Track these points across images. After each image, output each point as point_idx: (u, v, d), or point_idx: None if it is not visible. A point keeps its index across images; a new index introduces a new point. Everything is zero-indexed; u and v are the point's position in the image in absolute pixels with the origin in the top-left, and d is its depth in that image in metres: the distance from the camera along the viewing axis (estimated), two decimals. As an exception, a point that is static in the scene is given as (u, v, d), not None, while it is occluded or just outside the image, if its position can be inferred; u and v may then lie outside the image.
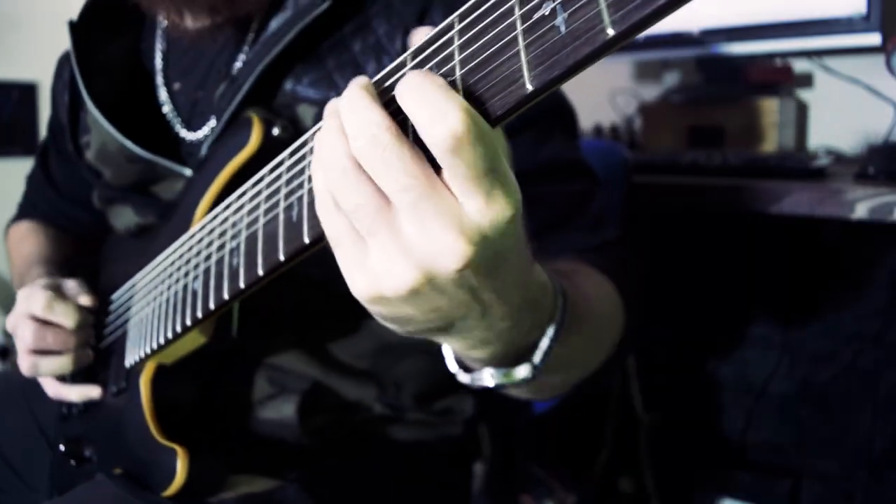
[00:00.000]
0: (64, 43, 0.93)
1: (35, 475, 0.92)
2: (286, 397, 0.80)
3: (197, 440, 0.70)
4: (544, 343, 0.51)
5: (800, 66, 1.60)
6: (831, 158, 1.30)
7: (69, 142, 0.94)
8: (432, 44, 0.40)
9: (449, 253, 0.37)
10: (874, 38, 1.31)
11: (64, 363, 0.82)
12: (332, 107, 0.42)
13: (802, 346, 1.48)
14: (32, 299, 0.81)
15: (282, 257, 0.50)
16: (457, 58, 0.38)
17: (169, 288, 0.70)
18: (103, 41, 0.91)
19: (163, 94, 0.90)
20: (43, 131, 1.77)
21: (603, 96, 1.82)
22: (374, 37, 0.76)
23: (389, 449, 0.85)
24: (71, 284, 0.87)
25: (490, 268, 0.40)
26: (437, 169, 0.38)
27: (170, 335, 0.68)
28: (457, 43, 0.38)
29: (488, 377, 0.51)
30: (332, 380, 0.82)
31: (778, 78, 1.55)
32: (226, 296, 0.58)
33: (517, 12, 0.35)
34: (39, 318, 0.80)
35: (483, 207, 0.37)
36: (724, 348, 1.57)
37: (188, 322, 0.65)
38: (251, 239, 0.55)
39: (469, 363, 0.52)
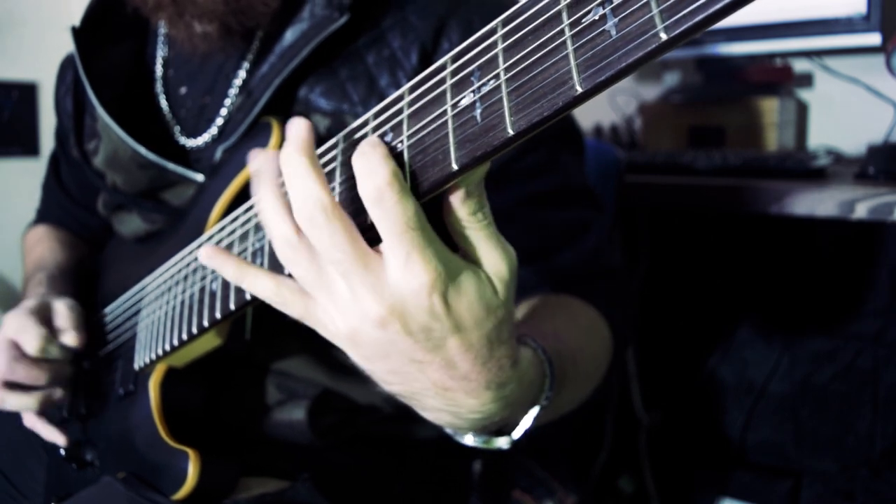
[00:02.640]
0: (64, 43, 0.92)
1: (29, 482, 0.91)
2: (296, 403, 0.81)
3: (207, 443, 0.69)
4: (526, 422, 0.56)
5: (800, 66, 1.60)
6: (831, 158, 1.30)
7: (74, 147, 0.94)
8: (475, 47, 0.41)
9: (371, 314, 0.44)
10: (874, 38, 1.32)
11: (29, 402, 0.80)
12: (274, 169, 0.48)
13: (802, 346, 1.48)
14: (12, 321, 0.80)
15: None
16: (502, 62, 0.39)
17: (184, 291, 0.70)
18: (106, 46, 0.91)
19: (162, 101, 0.90)
20: (43, 131, 1.78)
21: (603, 96, 1.82)
22: (389, 50, 0.76)
23: (396, 447, 0.86)
24: (61, 313, 0.84)
25: (423, 339, 0.44)
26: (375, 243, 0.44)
27: (185, 337, 0.68)
28: (500, 47, 0.39)
29: (469, 439, 0.56)
30: (341, 384, 0.82)
31: (778, 78, 1.55)
32: (248, 296, 0.58)
33: (565, 18, 0.36)
34: (13, 341, 0.78)
35: (401, 267, 0.42)
36: (724, 348, 1.57)
37: (206, 323, 0.65)
38: None
39: None
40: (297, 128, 0.46)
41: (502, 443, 0.56)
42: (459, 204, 0.44)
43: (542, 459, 1.13)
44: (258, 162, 0.49)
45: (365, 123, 0.48)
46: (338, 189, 0.48)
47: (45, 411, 0.84)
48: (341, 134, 0.50)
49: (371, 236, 0.44)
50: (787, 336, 1.50)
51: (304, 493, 0.73)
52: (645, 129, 1.69)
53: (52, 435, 0.84)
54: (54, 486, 0.87)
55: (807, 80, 1.62)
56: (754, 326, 1.54)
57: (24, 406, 0.80)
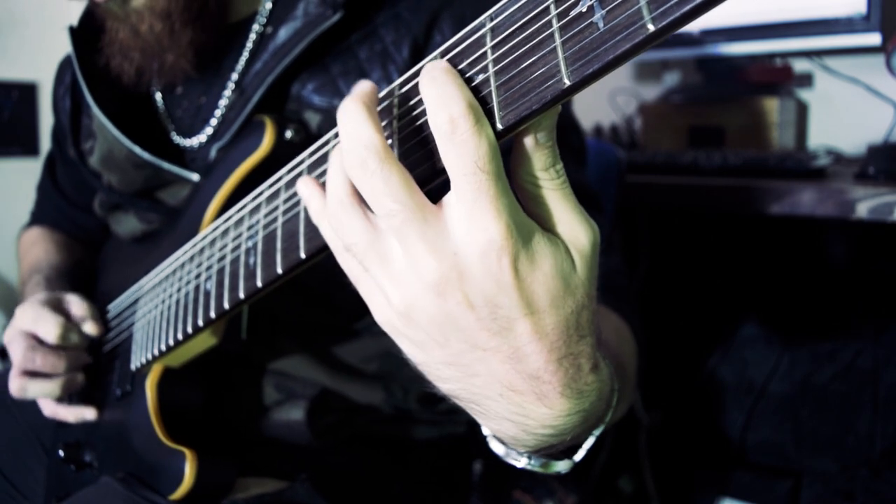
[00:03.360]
0: (64, 44, 0.92)
1: (29, 482, 0.91)
2: (294, 403, 0.80)
3: (205, 443, 0.69)
4: (589, 443, 0.48)
5: (800, 66, 1.60)
6: (831, 158, 1.30)
7: (71, 147, 0.94)
8: (463, 42, 0.41)
9: (428, 276, 0.38)
10: (874, 38, 1.32)
11: (52, 387, 0.80)
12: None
13: (802, 346, 1.48)
14: (26, 313, 0.80)
15: (303, 255, 0.50)
16: (490, 56, 0.39)
17: (179, 290, 0.70)
18: (100, 47, 0.91)
19: (158, 102, 0.90)
20: (43, 131, 1.78)
21: (603, 96, 1.82)
22: (381, 45, 0.76)
23: (396, 447, 0.86)
24: (76, 304, 0.84)
25: (487, 316, 0.38)
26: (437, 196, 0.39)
27: (180, 336, 0.68)
28: (489, 41, 0.39)
29: (523, 461, 0.47)
30: (340, 384, 0.82)
31: (778, 78, 1.55)
32: (241, 295, 0.58)
33: (553, 11, 0.36)
34: (29, 332, 0.79)
35: (466, 216, 0.36)
36: (724, 348, 1.57)
37: (200, 322, 0.65)
38: (269, 238, 0.55)
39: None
40: (364, 84, 0.42)
41: (562, 467, 0.48)
42: (530, 152, 0.38)
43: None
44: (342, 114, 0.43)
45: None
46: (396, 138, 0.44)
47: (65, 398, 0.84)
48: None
49: (431, 190, 0.40)
50: (787, 336, 1.50)
51: (302, 493, 0.73)
52: (645, 129, 1.68)
53: (79, 412, 0.83)
54: (53, 487, 0.86)
55: (807, 80, 1.62)
56: (754, 326, 1.54)
57: (47, 392, 0.80)
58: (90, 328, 0.83)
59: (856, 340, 1.42)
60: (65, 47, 0.95)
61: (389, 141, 0.43)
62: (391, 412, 0.84)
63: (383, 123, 0.44)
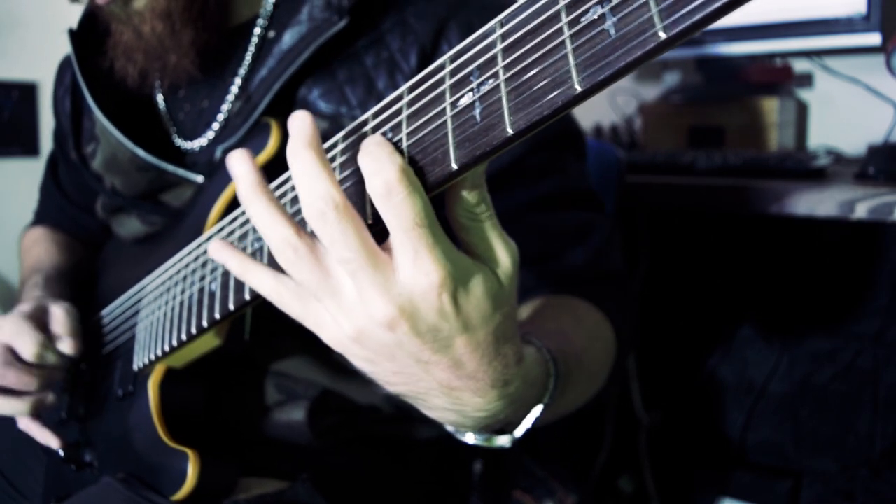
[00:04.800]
0: (64, 44, 0.92)
1: (29, 482, 0.91)
2: (295, 403, 0.80)
3: (207, 444, 0.69)
4: (528, 421, 0.55)
5: (800, 66, 1.60)
6: (831, 158, 1.30)
7: (73, 150, 0.94)
8: (473, 47, 0.41)
9: (379, 315, 0.43)
10: (874, 38, 1.32)
11: (21, 407, 0.79)
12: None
13: (802, 346, 1.48)
14: (8, 325, 0.79)
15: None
16: (500, 62, 0.39)
17: (183, 291, 0.70)
18: (104, 49, 0.91)
19: (160, 104, 0.90)
20: (43, 131, 1.78)
21: (603, 96, 1.82)
22: (388, 52, 0.76)
23: (396, 447, 0.86)
24: (58, 318, 0.83)
25: (430, 340, 0.44)
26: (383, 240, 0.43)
27: (184, 337, 0.68)
28: (499, 47, 0.39)
29: (470, 437, 0.56)
30: (340, 385, 0.82)
31: (778, 78, 1.55)
32: (247, 296, 0.58)
33: (564, 18, 0.36)
34: (7, 345, 0.78)
35: (410, 265, 0.42)
36: (724, 348, 1.57)
37: (204, 323, 0.65)
38: None
39: None
40: (301, 122, 0.45)
41: (503, 441, 0.56)
42: (462, 197, 0.43)
43: (542, 459, 1.13)
44: (238, 168, 0.48)
45: (364, 123, 0.48)
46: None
47: (40, 415, 0.83)
48: (340, 134, 0.49)
49: (373, 233, 0.44)
50: (787, 336, 1.50)
51: (303, 493, 0.73)
52: (645, 129, 1.69)
53: (47, 438, 0.83)
54: (53, 487, 0.86)
55: (807, 80, 1.62)
56: (754, 326, 1.54)
57: (15, 411, 0.79)
58: (67, 347, 0.81)
59: (856, 340, 1.42)
60: (65, 48, 0.95)
61: (343, 176, 0.48)
62: (391, 412, 0.85)
63: (337, 164, 0.49)
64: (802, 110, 1.62)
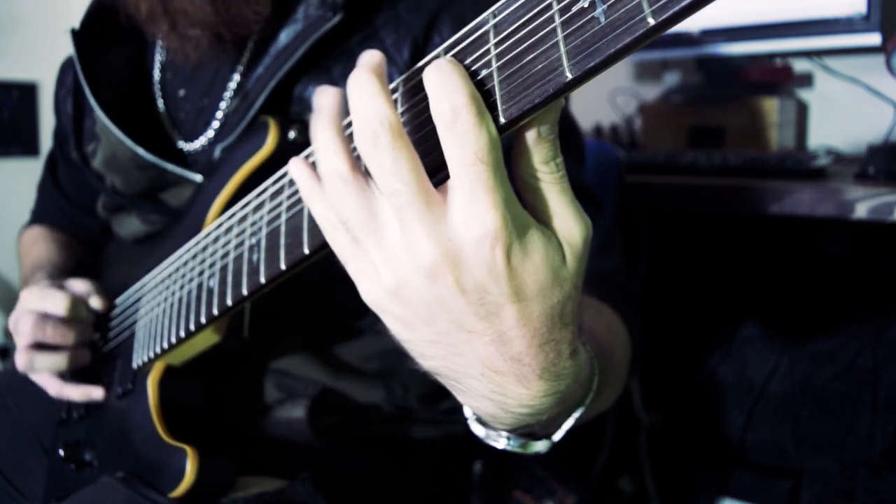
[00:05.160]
0: (65, 44, 0.92)
1: (29, 482, 0.91)
2: (295, 401, 0.81)
3: (206, 441, 0.69)
4: (568, 425, 0.51)
5: (800, 66, 1.60)
6: (831, 158, 1.30)
7: (74, 149, 0.94)
8: (466, 38, 0.41)
9: (423, 259, 0.38)
10: (874, 38, 1.32)
11: (60, 360, 0.80)
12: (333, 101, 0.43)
13: (802, 346, 1.48)
14: (32, 295, 0.81)
15: (306, 250, 0.50)
16: (493, 51, 0.39)
17: (182, 287, 0.70)
18: (105, 49, 0.91)
19: (160, 104, 0.90)
20: (43, 131, 1.78)
21: (603, 96, 1.82)
22: (382, 46, 0.76)
23: (396, 447, 0.86)
24: (79, 284, 0.86)
25: (476, 301, 0.39)
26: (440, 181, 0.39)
27: (182, 333, 0.68)
28: (492, 37, 0.39)
29: (503, 441, 0.50)
30: (340, 383, 0.82)
31: (778, 78, 1.55)
32: (245, 291, 0.58)
33: (555, 6, 0.36)
34: (37, 310, 0.79)
35: (464, 205, 0.37)
36: (724, 348, 1.57)
37: (203, 320, 0.65)
38: (273, 234, 0.55)
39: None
40: (370, 55, 0.42)
41: (540, 447, 0.50)
42: (532, 145, 0.39)
43: (542, 459, 1.13)
44: (321, 97, 0.44)
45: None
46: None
47: (73, 374, 0.84)
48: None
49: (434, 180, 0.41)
50: (787, 336, 1.50)
51: (302, 492, 0.73)
52: (645, 129, 1.69)
53: (88, 392, 0.83)
54: (53, 487, 0.86)
55: (807, 80, 1.62)
56: (754, 326, 1.54)
57: (55, 365, 0.80)
58: (96, 303, 0.84)
59: (856, 340, 1.42)
60: (65, 48, 0.95)
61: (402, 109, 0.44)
62: (392, 411, 0.85)
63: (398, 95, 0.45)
64: (802, 110, 1.62)
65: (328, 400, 0.81)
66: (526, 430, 0.48)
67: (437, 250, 0.38)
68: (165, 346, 0.71)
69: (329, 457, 0.81)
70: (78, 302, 0.81)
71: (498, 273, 0.38)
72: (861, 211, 1.04)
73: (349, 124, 0.46)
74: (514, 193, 0.39)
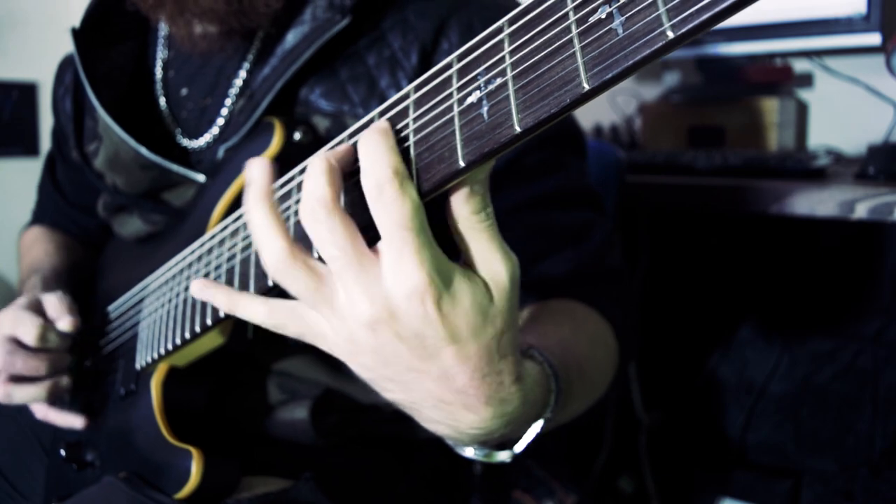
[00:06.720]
0: (65, 43, 0.92)
1: (29, 482, 0.91)
2: (298, 402, 0.81)
3: (209, 442, 0.69)
4: (528, 437, 0.55)
5: (800, 66, 1.60)
6: (831, 158, 1.30)
7: (74, 149, 0.94)
8: (480, 46, 0.41)
9: (362, 316, 0.43)
10: (874, 38, 1.32)
11: (36, 392, 0.80)
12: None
13: (802, 346, 1.48)
14: (6, 318, 0.80)
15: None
16: (508, 60, 0.39)
17: (187, 289, 0.70)
18: (106, 47, 0.91)
19: (163, 103, 0.89)
20: (43, 131, 1.78)
21: (603, 96, 1.81)
22: (390, 50, 0.76)
23: (398, 447, 0.86)
24: (52, 304, 0.84)
25: (417, 346, 0.43)
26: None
27: (187, 335, 0.68)
28: (507, 46, 0.40)
29: (469, 451, 0.56)
30: (343, 384, 0.82)
31: (778, 78, 1.55)
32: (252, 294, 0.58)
33: (572, 17, 0.36)
34: (10, 335, 0.78)
35: (393, 266, 0.42)
36: (724, 348, 1.57)
37: (209, 322, 0.65)
38: None
39: None
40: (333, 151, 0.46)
41: (503, 456, 0.55)
42: (463, 201, 0.43)
43: (542, 459, 1.13)
44: (251, 170, 0.48)
45: (371, 122, 0.48)
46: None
47: (56, 401, 0.84)
48: (345, 133, 0.49)
49: (371, 237, 0.44)
50: (787, 336, 1.50)
51: (306, 492, 0.73)
52: (645, 129, 1.69)
53: (70, 420, 0.83)
54: (54, 487, 0.86)
55: (807, 80, 1.62)
56: (754, 326, 1.54)
57: (32, 397, 0.80)
58: (65, 325, 0.82)
59: (856, 340, 1.42)
60: (66, 47, 0.95)
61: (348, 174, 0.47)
62: (394, 412, 0.84)
63: None
64: (802, 110, 1.63)
65: (331, 401, 0.81)
66: (484, 444, 0.54)
67: (374, 307, 0.43)
68: (170, 347, 0.71)
69: (332, 457, 0.81)
70: (47, 330, 0.79)
71: (431, 321, 0.42)
72: (861, 211, 1.04)
73: (284, 185, 0.53)
74: (438, 249, 0.43)
